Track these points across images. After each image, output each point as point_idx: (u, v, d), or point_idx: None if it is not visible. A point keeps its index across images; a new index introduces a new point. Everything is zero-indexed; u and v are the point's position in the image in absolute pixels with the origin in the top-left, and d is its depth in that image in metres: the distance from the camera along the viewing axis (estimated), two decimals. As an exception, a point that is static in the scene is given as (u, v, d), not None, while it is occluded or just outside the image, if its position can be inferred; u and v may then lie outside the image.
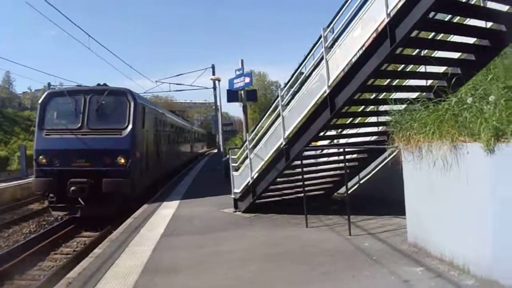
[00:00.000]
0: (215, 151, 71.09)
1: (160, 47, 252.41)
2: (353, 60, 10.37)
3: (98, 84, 20.58)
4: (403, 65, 12.66)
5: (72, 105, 18.65)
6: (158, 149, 24.84)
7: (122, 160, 17.72)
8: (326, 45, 10.97)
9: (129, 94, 19.12)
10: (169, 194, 21.59)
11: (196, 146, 60.13)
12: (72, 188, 17.11)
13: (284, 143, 12.68)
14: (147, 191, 20.82)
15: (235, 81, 24.32)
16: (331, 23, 11.08)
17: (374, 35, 9.66)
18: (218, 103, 35.68)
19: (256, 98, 29.85)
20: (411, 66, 12.58)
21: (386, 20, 9.08)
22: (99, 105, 18.57)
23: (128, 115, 18.55)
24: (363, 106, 13.94)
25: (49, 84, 48.94)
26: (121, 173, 17.43)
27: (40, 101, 19.70)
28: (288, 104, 12.80)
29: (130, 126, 18.35)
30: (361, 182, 16.11)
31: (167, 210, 16.37)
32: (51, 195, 18.05)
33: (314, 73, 11.71)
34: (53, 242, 15.48)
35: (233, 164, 15.86)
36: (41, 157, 17.95)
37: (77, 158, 17.67)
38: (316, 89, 11.41)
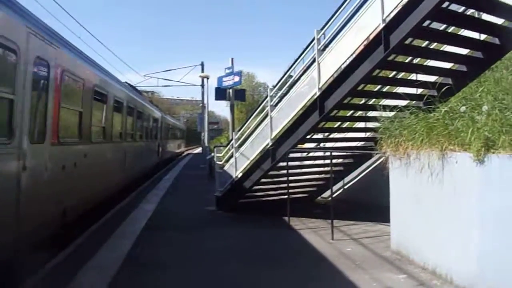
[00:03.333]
0: (197, 150, 67.33)
1: (152, 39, 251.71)
2: (345, 64, 10.35)
3: None
4: (394, 72, 12.64)
5: None
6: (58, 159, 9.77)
7: None
8: (319, 47, 10.92)
9: None
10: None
11: (169, 145, 41.20)
12: None
13: (270, 144, 12.62)
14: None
15: (224, 79, 24.33)
16: (324, 25, 11.05)
17: (369, 39, 9.64)
18: (205, 101, 35.58)
19: (244, 97, 29.84)
20: (402, 73, 12.57)
21: (381, 26, 9.05)
22: None
23: None
24: (352, 111, 13.90)
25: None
26: None
27: None
28: (276, 105, 12.73)
29: None
30: (345, 187, 16.10)
31: None
32: None
33: (305, 75, 11.67)
34: None
35: (218, 162, 15.77)
36: None
37: None
38: (306, 91, 11.35)
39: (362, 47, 9.89)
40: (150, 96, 47.51)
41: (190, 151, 74.21)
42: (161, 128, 33.49)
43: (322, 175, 15.15)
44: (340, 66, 10.45)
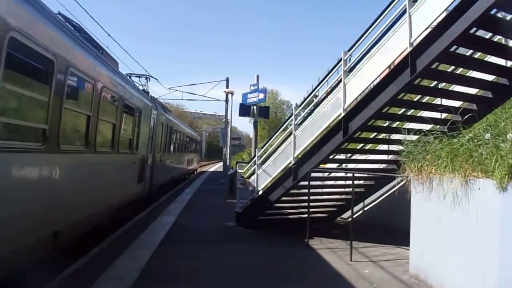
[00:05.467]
0: (214, 167, 62.83)
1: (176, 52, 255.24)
2: (371, 86, 10.40)
3: None
4: (419, 96, 12.64)
5: None
6: None
7: None
8: (345, 68, 10.99)
9: None
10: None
11: (172, 162, 28.13)
12: None
13: (293, 162, 12.67)
14: None
15: (249, 96, 24.43)
16: (352, 47, 11.13)
17: (395, 62, 9.68)
18: (229, 117, 35.63)
19: (268, 115, 29.79)
20: (427, 97, 12.56)
21: (409, 49, 9.08)
22: None
23: None
24: (375, 133, 13.90)
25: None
26: None
27: None
28: (301, 123, 12.79)
29: None
30: (365, 209, 16.05)
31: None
32: None
33: (330, 95, 11.72)
34: None
35: (240, 178, 15.83)
36: None
37: None
38: (331, 111, 11.41)
39: (388, 70, 9.94)
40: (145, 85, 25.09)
41: (207, 168, 65.62)
42: (156, 132, 20.27)
43: (343, 196, 15.15)
44: (366, 88, 10.50)
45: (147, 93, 21.14)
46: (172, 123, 27.70)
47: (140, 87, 20.20)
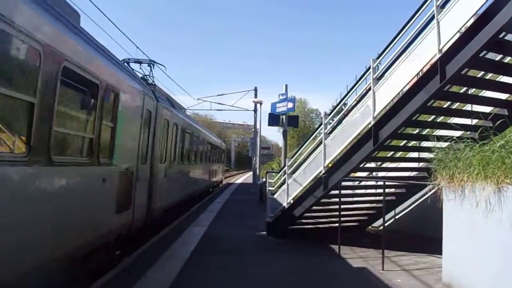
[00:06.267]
0: (240, 179, 60.22)
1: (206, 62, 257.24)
2: (401, 93, 10.35)
3: None
4: (449, 103, 12.53)
5: None
6: None
7: None
8: (374, 76, 10.95)
9: None
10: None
11: (183, 175, 20.96)
12: None
13: (323, 171, 12.64)
14: None
15: (277, 105, 24.53)
16: (380, 55, 11.10)
17: (424, 70, 9.63)
18: (258, 126, 35.66)
19: (297, 124, 29.86)
20: (457, 104, 12.45)
21: (438, 56, 9.04)
22: None
23: None
24: (405, 141, 13.81)
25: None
26: None
27: None
28: (330, 132, 12.76)
29: None
30: (396, 217, 15.93)
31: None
32: None
33: (359, 103, 11.68)
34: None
35: (270, 188, 15.82)
36: None
37: None
38: (361, 120, 11.38)
39: (417, 77, 9.89)
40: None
41: (234, 179, 59.70)
42: (156, 134, 14.42)
43: (374, 204, 15.07)
44: (395, 96, 10.46)
45: (152, 85, 16.53)
46: (186, 124, 21.28)
47: (146, 78, 17.36)
